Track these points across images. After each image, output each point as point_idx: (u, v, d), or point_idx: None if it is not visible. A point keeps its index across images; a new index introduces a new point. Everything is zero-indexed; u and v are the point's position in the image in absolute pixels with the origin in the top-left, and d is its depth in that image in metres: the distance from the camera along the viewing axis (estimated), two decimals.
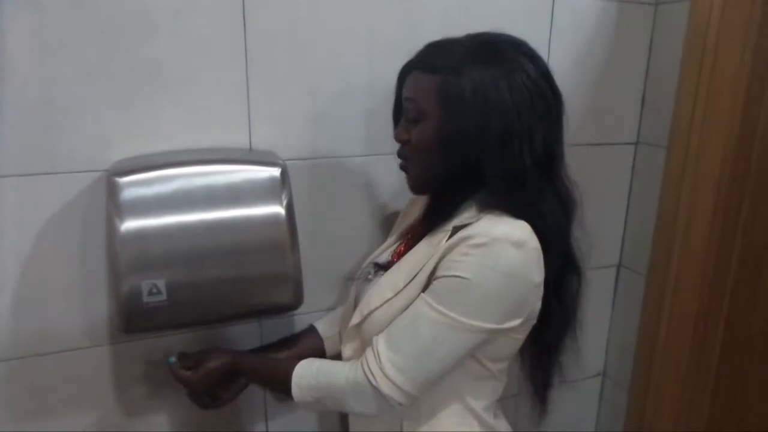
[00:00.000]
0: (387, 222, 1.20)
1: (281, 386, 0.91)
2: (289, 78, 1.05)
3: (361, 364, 0.83)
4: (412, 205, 1.07)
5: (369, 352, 0.83)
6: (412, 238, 0.97)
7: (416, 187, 0.92)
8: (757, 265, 1.31)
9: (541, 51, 1.22)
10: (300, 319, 1.17)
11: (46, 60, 0.91)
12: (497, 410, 0.97)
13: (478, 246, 0.78)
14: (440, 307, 0.79)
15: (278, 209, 0.94)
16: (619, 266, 1.50)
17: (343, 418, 1.14)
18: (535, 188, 0.84)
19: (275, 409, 1.23)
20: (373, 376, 0.81)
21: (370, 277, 0.98)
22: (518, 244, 0.79)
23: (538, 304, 0.85)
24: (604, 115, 1.37)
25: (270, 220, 0.94)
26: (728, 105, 1.19)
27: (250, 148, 1.06)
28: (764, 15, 1.15)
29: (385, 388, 0.80)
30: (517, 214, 0.82)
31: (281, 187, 0.95)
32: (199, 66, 0.99)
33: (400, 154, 0.91)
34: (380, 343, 0.82)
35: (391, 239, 1.06)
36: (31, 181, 0.94)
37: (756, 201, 1.26)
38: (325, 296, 1.19)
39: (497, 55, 0.82)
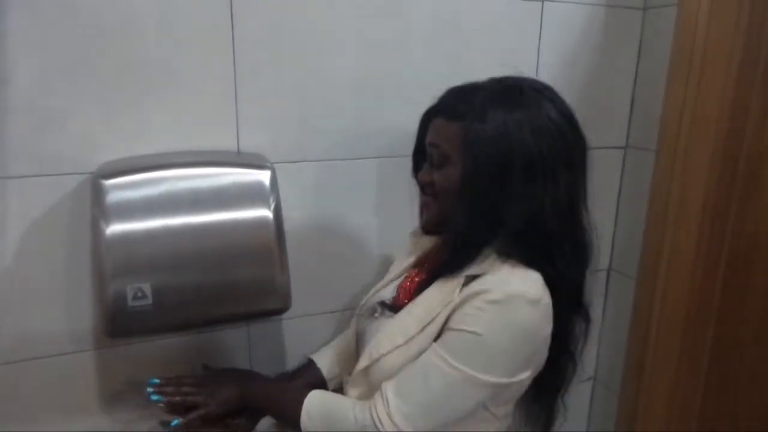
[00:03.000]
0: (376, 226, 1.20)
1: (290, 412, 0.88)
2: (277, 80, 1.05)
3: (369, 409, 0.82)
4: (417, 239, 1.04)
5: (378, 397, 0.83)
6: (419, 273, 0.97)
7: (430, 228, 0.92)
8: (746, 267, 1.32)
9: (531, 57, 1.25)
10: (288, 324, 1.17)
11: (30, 61, 0.90)
12: None
13: (493, 302, 0.78)
14: (453, 361, 0.79)
15: (266, 213, 0.94)
16: (609, 270, 1.50)
17: None
18: (554, 236, 0.83)
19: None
20: (380, 422, 0.80)
21: (376, 315, 0.96)
22: (533, 302, 0.79)
23: (546, 354, 0.86)
24: (594, 120, 1.36)
25: (257, 224, 0.93)
26: (716, 108, 1.20)
27: (238, 151, 1.05)
28: (751, 19, 1.16)
29: None
30: (531, 263, 0.81)
31: (269, 190, 0.95)
32: (187, 67, 0.99)
33: (425, 194, 0.91)
34: (389, 390, 0.82)
35: (394, 271, 1.04)
36: (15, 184, 0.93)
37: (744, 204, 1.26)
38: (314, 300, 1.18)
39: (520, 98, 0.82)
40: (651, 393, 1.40)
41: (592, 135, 1.36)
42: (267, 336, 1.15)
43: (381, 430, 0.80)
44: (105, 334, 0.91)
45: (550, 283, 0.82)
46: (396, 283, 1.00)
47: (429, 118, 0.91)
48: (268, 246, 0.94)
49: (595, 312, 1.53)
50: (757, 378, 1.39)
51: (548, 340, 0.84)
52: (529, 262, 0.81)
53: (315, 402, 0.88)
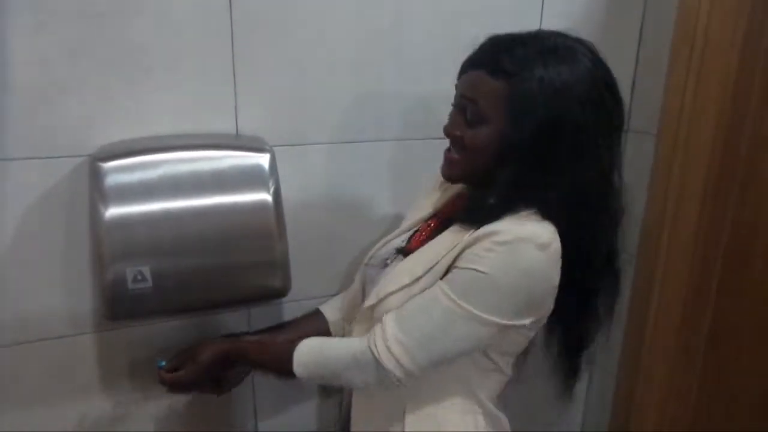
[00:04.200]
0: (377, 209, 1.19)
1: (281, 363, 0.90)
2: (276, 62, 1.04)
3: (368, 337, 0.84)
4: (433, 191, 1.03)
5: (377, 326, 0.84)
6: (434, 225, 0.96)
7: (453, 179, 0.91)
8: (745, 251, 1.32)
9: None
10: (288, 307, 1.17)
11: (27, 42, 0.89)
12: (498, 404, 0.97)
13: (502, 243, 0.78)
14: (455, 297, 0.79)
15: (265, 196, 0.93)
16: None
17: (342, 415, 1.14)
18: (591, 204, 0.82)
19: (264, 407, 1.23)
20: (376, 348, 0.81)
21: (389, 262, 0.96)
22: (543, 246, 0.78)
23: (552, 305, 0.85)
24: None
25: (257, 208, 0.93)
26: (718, 92, 1.19)
27: (237, 134, 1.04)
28: (753, 4, 1.15)
29: (387, 361, 0.81)
30: (568, 226, 0.80)
31: (268, 173, 0.94)
32: (184, 49, 0.97)
33: (451, 144, 0.87)
34: (389, 319, 0.83)
35: (406, 224, 1.03)
36: (13, 166, 0.93)
37: (744, 188, 1.26)
38: (313, 284, 1.18)
39: (572, 64, 0.79)
40: (648, 375, 1.41)
41: None
42: (267, 319, 1.15)
43: (376, 355, 0.81)
44: (105, 317, 0.91)
45: (584, 245, 0.82)
46: (407, 234, 0.99)
47: (467, 68, 0.85)
48: (268, 229, 0.94)
49: None
50: (755, 360, 1.40)
51: (555, 290, 0.83)
52: (566, 226, 0.80)
53: (307, 346, 0.89)
